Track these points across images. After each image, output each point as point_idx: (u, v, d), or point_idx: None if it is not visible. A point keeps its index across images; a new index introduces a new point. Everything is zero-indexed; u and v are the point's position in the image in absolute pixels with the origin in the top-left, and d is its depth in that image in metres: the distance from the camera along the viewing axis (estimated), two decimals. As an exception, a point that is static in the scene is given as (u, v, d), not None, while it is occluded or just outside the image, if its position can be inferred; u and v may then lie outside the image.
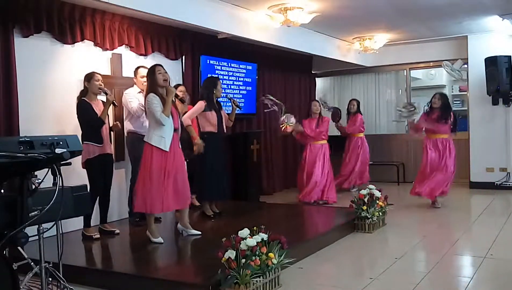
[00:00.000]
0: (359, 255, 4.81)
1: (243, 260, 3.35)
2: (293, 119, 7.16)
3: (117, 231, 5.14)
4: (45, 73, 5.13)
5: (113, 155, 5.36)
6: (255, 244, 3.44)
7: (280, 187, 8.95)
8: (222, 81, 7.35)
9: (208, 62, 7.20)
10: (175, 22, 5.94)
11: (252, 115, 8.26)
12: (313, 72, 10.28)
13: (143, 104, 5.32)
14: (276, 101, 5.63)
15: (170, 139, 4.56)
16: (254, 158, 7.49)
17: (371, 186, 5.71)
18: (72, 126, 5.06)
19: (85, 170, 4.93)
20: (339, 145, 8.60)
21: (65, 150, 2.46)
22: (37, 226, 3.04)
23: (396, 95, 10.38)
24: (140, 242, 4.84)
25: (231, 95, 6.59)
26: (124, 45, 5.90)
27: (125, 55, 5.95)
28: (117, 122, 5.41)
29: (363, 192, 5.61)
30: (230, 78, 7.65)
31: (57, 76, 5.23)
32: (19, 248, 3.26)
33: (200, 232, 4.94)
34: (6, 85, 4.68)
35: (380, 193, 5.63)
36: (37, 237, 3.12)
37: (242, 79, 7.90)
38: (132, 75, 5.62)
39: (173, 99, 4.65)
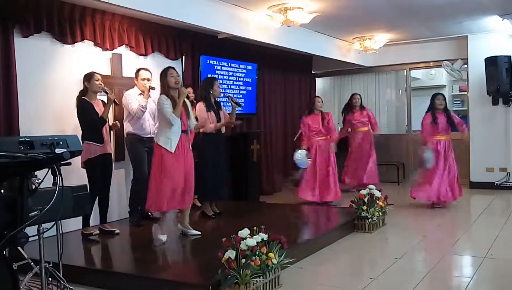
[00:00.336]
0: (359, 255, 4.81)
1: (243, 260, 3.35)
2: (298, 155, 7.03)
3: (117, 231, 5.14)
4: (45, 73, 5.13)
5: (113, 155, 5.36)
6: (255, 244, 3.44)
7: (280, 187, 8.94)
8: (222, 81, 7.37)
9: (208, 62, 7.20)
10: (175, 22, 5.94)
11: (252, 115, 8.26)
12: (313, 72, 10.28)
13: (143, 105, 5.34)
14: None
15: (177, 140, 4.60)
16: (254, 158, 7.49)
17: (371, 186, 5.71)
18: (72, 126, 5.06)
19: (85, 170, 4.93)
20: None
21: (65, 150, 2.46)
22: (37, 226, 3.04)
23: (396, 95, 10.38)
24: (140, 242, 4.85)
25: (231, 95, 6.58)
26: (124, 45, 5.90)
27: (125, 55, 5.95)
28: (116, 121, 5.41)
29: (363, 192, 5.61)
30: (230, 78, 7.66)
31: (57, 76, 5.23)
32: (19, 248, 3.26)
33: (200, 232, 4.94)
34: (6, 85, 4.68)
35: (380, 193, 5.63)
36: (37, 237, 3.12)
37: (242, 79, 7.90)
38: (132, 75, 5.62)
39: (184, 100, 4.69)
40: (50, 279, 3.31)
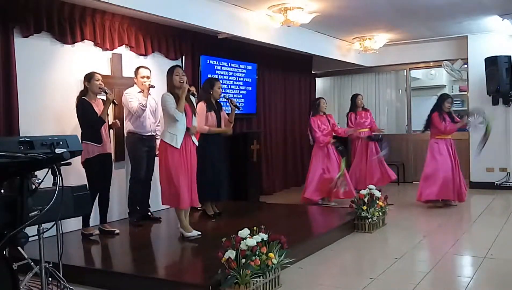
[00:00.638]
0: (359, 255, 4.81)
1: (243, 260, 3.35)
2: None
3: (117, 231, 5.14)
4: (45, 73, 5.13)
5: (113, 155, 5.36)
6: (255, 244, 3.44)
7: (280, 187, 8.95)
8: (222, 81, 7.36)
9: (208, 62, 7.20)
10: (175, 22, 5.94)
11: (252, 115, 8.26)
12: (313, 72, 10.28)
13: (143, 104, 5.35)
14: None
15: (182, 137, 4.63)
16: (254, 158, 7.49)
17: (371, 186, 5.72)
18: (72, 126, 5.07)
19: (84, 169, 4.93)
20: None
21: (65, 150, 2.46)
22: (37, 226, 3.04)
23: (396, 95, 10.38)
24: (140, 242, 4.85)
25: (231, 96, 6.58)
26: (124, 45, 5.90)
27: (125, 55, 5.95)
28: (116, 120, 5.41)
29: (363, 192, 5.61)
30: (230, 78, 7.65)
31: (57, 76, 5.23)
32: (19, 248, 3.26)
33: (200, 233, 4.93)
34: (6, 85, 4.68)
35: (380, 193, 5.63)
36: (37, 237, 3.12)
37: (242, 79, 7.90)
38: (132, 75, 5.62)
39: (187, 97, 4.72)
40: (50, 279, 3.31)
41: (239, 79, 7.85)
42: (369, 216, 5.42)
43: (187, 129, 4.70)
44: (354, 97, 8.28)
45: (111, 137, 5.40)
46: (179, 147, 4.61)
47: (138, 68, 5.56)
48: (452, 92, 10.87)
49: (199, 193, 5.70)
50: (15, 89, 4.73)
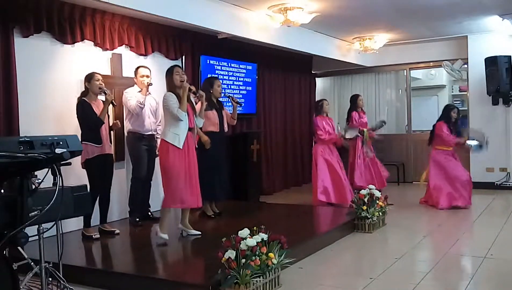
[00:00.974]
0: (359, 255, 4.81)
1: (243, 260, 3.35)
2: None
3: (117, 231, 5.14)
4: (45, 73, 5.13)
5: (113, 155, 5.36)
6: (255, 244, 3.44)
7: (280, 187, 8.95)
8: (222, 81, 7.36)
9: (208, 62, 7.20)
10: (175, 22, 5.94)
11: (252, 115, 8.26)
12: (313, 72, 10.28)
13: (141, 101, 5.34)
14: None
15: (184, 137, 4.62)
16: (254, 158, 7.49)
17: (371, 186, 5.71)
18: (72, 126, 5.06)
19: (84, 170, 4.93)
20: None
21: (65, 150, 2.46)
22: (37, 226, 3.04)
23: (396, 95, 10.38)
24: (140, 242, 4.85)
25: (232, 94, 6.58)
26: (124, 45, 5.90)
27: (125, 55, 5.95)
28: (117, 120, 5.41)
29: (363, 192, 5.61)
30: (230, 78, 7.66)
31: (57, 76, 5.23)
32: (19, 248, 3.26)
33: (200, 232, 4.94)
34: (6, 85, 4.68)
35: (380, 193, 5.63)
36: (37, 237, 3.12)
37: (242, 79, 7.90)
38: (132, 75, 5.62)
39: (188, 96, 4.70)
40: (50, 279, 3.31)
41: (239, 79, 7.85)
42: (369, 216, 5.42)
43: (189, 129, 4.69)
44: (355, 98, 8.15)
45: (112, 137, 5.39)
46: (181, 147, 4.60)
47: (138, 67, 5.57)
48: (452, 92, 10.87)
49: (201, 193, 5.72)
50: (15, 89, 4.73)
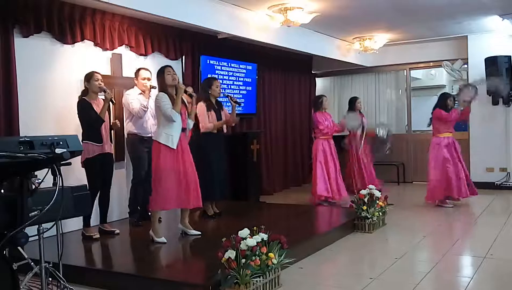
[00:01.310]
0: (359, 255, 4.80)
1: (243, 260, 3.35)
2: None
3: (117, 231, 5.14)
4: (45, 73, 5.13)
5: (113, 155, 5.36)
6: (255, 244, 3.43)
7: (280, 187, 8.95)
8: (222, 81, 7.37)
9: (208, 62, 7.20)
10: (175, 22, 5.94)
11: (252, 115, 8.26)
12: (313, 72, 10.28)
13: (145, 105, 5.34)
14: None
15: (178, 138, 4.60)
16: (254, 158, 7.49)
17: (371, 186, 5.71)
18: (72, 126, 5.06)
19: (84, 169, 4.93)
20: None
21: (65, 150, 2.46)
22: (37, 226, 3.04)
23: (396, 95, 10.38)
24: (140, 242, 4.84)
25: (231, 94, 6.58)
26: (124, 45, 5.90)
27: (125, 55, 5.95)
28: (117, 120, 5.41)
29: (363, 192, 5.61)
30: (230, 78, 7.66)
31: (57, 76, 5.23)
32: (19, 248, 3.26)
33: (200, 232, 4.94)
34: (6, 85, 4.68)
35: (380, 193, 5.63)
36: (37, 237, 3.12)
37: (242, 79, 7.91)
38: (132, 75, 5.62)
39: (183, 98, 4.69)
40: (50, 279, 3.30)
41: (239, 79, 7.85)
42: (369, 216, 5.42)
43: (182, 129, 4.67)
44: (354, 100, 8.17)
45: (112, 137, 5.39)
46: (175, 148, 4.58)
47: (139, 69, 5.56)
48: (452, 92, 10.86)
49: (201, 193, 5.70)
50: (15, 89, 4.73)
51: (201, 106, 5.53)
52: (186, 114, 4.81)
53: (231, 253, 3.36)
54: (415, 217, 6.49)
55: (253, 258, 3.39)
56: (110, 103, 5.07)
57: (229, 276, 3.32)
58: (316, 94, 10.25)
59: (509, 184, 8.27)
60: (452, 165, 6.76)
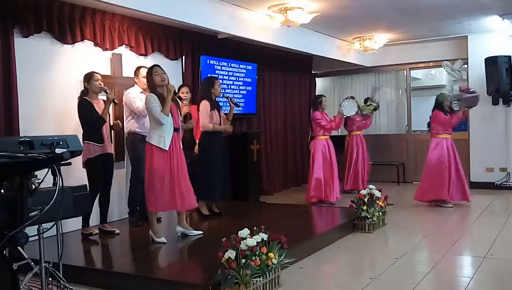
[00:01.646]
0: (359, 255, 4.80)
1: (243, 260, 3.35)
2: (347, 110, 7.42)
3: (117, 231, 5.14)
4: (45, 73, 5.13)
5: (113, 155, 5.36)
6: (255, 244, 3.43)
7: (280, 187, 8.95)
8: (222, 81, 7.37)
9: (208, 62, 7.20)
10: (175, 22, 5.94)
11: (252, 115, 8.26)
12: (313, 72, 10.29)
13: None
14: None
15: (170, 138, 4.57)
16: (254, 158, 7.49)
17: (371, 186, 5.71)
18: (72, 126, 5.07)
19: (85, 169, 4.93)
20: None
21: (65, 150, 2.46)
22: (37, 226, 3.04)
23: (396, 95, 10.38)
24: (140, 242, 4.84)
25: (231, 96, 6.58)
26: (124, 45, 5.90)
27: (125, 55, 5.95)
28: (118, 120, 5.41)
29: (363, 192, 5.60)
30: (230, 78, 7.66)
31: (57, 76, 5.23)
32: (19, 248, 3.26)
33: (201, 232, 4.93)
34: (6, 85, 4.68)
35: (380, 193, 5.63)
36: (37, 237, 3.12)
37: (242, 79, 7.90)
38: (132, 75, 5.62)
39: (173, 98, 4.66)
40: (50, 279, 3.30)
41: (239, 79, 7.85)
42: (369, 216, 5.41)
43: (175, 129, 4.65)
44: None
45: (112, 136, 5.39)
46: (167, 149, 4.54)
47: (139, 68, 5.56)
48: (452, 92, 10.85)
49: (199, 193, 5.70)
50: (15, 89, 4.73)
51: (205, 105, 5.50)
52: (179, 114, 4.79)
53: (231, 253, 3.36)
54: (415, 217, 6.49)
55: (253, 258, 3.39)
56: (113, 103, 5.07)
57: (229, 276, 3.32)
58: (316, 94, 10.27)
59: (509, 184, 8.27)
60: (448, 167, 6.75)
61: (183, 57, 6.92)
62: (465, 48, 8.69)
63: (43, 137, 2.58)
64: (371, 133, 9.67)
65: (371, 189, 5.62)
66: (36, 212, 2.54)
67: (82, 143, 4.41)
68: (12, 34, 4.74)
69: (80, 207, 3.59)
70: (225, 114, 5.88)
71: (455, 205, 6.86)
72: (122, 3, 4.97)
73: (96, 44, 5.57)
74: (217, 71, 7.35)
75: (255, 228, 3.59)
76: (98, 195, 5.02)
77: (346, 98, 7.81)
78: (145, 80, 5.41)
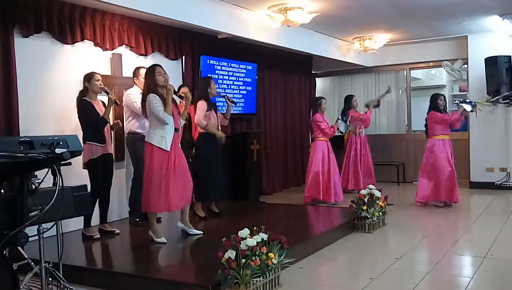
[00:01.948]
0: (359, 255, 4.80)
1: (243, 260, 3.35)
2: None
3: (117, 231, 5.14)
4: (45, 73, 5.13)
5: (113, 155, 5.36)
6: (255, 244, 3.43)
7: (280, 187, 8.95)
8: (222, 81, 7.39)
9: (208, 62, 7.20)
10: (175, 22, 5.94)
11: (252, 115, 8.26)
12: (313, 72, 10.28)
13: None
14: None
15: (171, 139, 4.58)
16: (254, 158, 7.49)
17: (371, 186, 5.71)
18: (72, 126, 5.07)
19: (85, 170, 4.92)
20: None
21: (65, 150, 2.46)
22: (37, 226, 3.04)
23: (396, 95, 10.38)
24: (140, 242, 4.84)
25: (231, 96, 6.57)
26: (124, 45, 5.90)
27: (125, 55, 5.95)
28: (118, 120, 5.41)
29: (363, 192, 5.61)
30: (230, 78, 7.66)
31: (57, 76, 5.23)
32: (19, 248, 3.26)
33: (201, 232, 4.94)
34: (6, 85, 4.68)
35: (380, 193, 5.63)
36: (37, 237, 3.12)
37: (242, 79, 7.90)
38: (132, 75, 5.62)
39: (173, 98, 4.66)
40: (50, 279, 3.30)
41: (239, 79, 7.85)
42: (369, 216, 5.41)
43: (175, 129, 4.64)
44: (350, 98, 8.38)
45: (112, 136, 5.39)
46: (168, 150, 4.54)
47: (138, 68, 5.56)
48: (452, 92, 10.87)
49: (197, 193, 5.69)
50: (15, 89, 4.73)
51: (203, 104, 5.49)
52: (178, 113, 4.79)
53: (231, 253, 3.36)
54: (415, 217, 6.49)
55: (253, 258, 3.39)
56: (114, 104, 5.07)
57: (229, 276, 3.32)
58: (316, 94, 10.28)
59: (509, 184, 8.27)
60: (443, 168, 6.75)
61: (183, 57, 6.92)
62: (465, 48, 8.69)
63: (43, 137, 2.58)
64: (371, 133, 9.66)
65: (371, 189, 5.63)
66: (36, 212, 2.55)
67: (82, 144, 4.42)
68: (12, 34, 4.74)
69: (80, 207, 3.59)
70: (222, 114, 5.86)
71: (451, 206, 6.86)
72: (122, 3, 4.97)
73: (96, 44, 5.57)
74: (217, 71, 7.35)
75: (255, 228, 3.59)
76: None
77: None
78: (145, 80, 5.44)
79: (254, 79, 8.16)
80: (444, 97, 7.05)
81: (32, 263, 3.32)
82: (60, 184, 2.39)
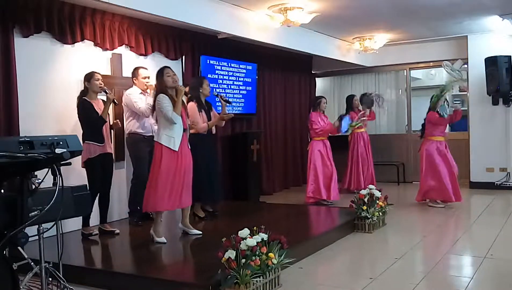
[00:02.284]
0: (359, 255, 4.81)
1: (243, 260, 3.35)
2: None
3: (117, 231, 5.14)
4: (45, 73, 5.13)
5: (113, 155, 5.36)
6: (255, 244, 3.43)
7: (280, 187, 8.95)
8: (222, 81, 7.38)
9: (208, 62, 7.20)
10: (175, 22, 5.94)
11: (252, 115, 8.25)
12: (313, 72, 10.28)
13: (151, 104, 5.29)
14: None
15: (180, 139, 4.60)
16: (254, 158, 7.49)
17: (371, 186, 5.71)
18: (72, 126, 5.07)
19: (85, 169, 4.93)
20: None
21: (65, 150, 2.46)
22: (37, 226, 3.04)
23: (396, 95, 10.38)
24: (140, 242, 4.84)
25: (231, 96, 6.56)
26: (124, 45, 5.90)
27: (125, 55, 5.95)
28: (117, 120, 5.41)
29: (363, 192, 5.60)
30: (230, 78, 7.65)
31: (57, 76, 5.23)
32: (19, 248, 3.26)
33: (201, 232, 4.94)
34: (6, 85, 4.68)
35: (380, 193, 5.63)
36: (37, 237, 3.12)
37: (242, 79, 7.90)
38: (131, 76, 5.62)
39: (182, 99, 4.69)
40: (50, 279, 3.31)
41: (239, 79, 7.85)
42: (369, 216, 5.41)
43: (184, 130, 4.67)
44: (351, 98, 8.34)
45: (112, 137, 5.39)
46: (177, 150, 4.58)
47: (137, 69, 5.56)
48: (452, 92, 10.85)
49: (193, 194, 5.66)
50: (15, 89, 4.73)
51: (193, 106, 5.37)
52: (186, 114, 4.81)
53: (231, 253, 3.36)
54: (415, 217, 6.49)
55: (253, 258, 3.39)
56: (113, 103, 5.07)
57: (229, 276, 3.32)
58: (316, 94, 10.27)
59: (509, 184, 8.27)
60: (443, 169, 6.75)
61: (183, 57, 6.92)
62: (465, 48, 8.69)
63: (43, 137, 2.58)
64: (371, 133, 9.64)
65: (371, 189, 5.63)
66: (36, 212, 2.54)
67: (82, 143, 4.42)
68: (12, 34, 4.74)
69: (80, 207, 3.59)
70: (219, 114, 5.79)
71: (454, 204, 6.86)
72: (122, 3, 4.97)
73: (96, 44, 5.57)
74: (217, 71, 7.35)
75: (255, 228, 3.59)
76: (98, 195, 5.02)
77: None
78: (144, 80, 5.44)
79: (254, 79, 8.16)
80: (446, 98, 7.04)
81: (32, 263, 3.32)
82: (60, 184, 2.39)
